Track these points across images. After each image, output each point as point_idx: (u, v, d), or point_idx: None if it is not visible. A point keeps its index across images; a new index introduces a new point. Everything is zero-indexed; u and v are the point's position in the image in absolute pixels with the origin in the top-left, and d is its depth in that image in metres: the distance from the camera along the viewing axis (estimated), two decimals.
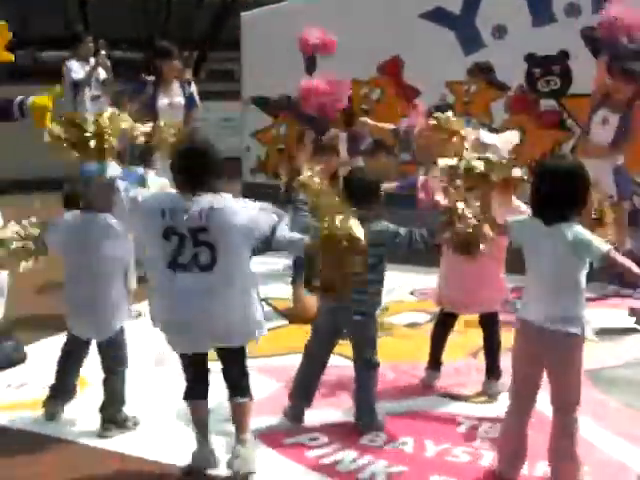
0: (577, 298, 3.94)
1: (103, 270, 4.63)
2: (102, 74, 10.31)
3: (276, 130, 9.78)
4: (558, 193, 3.88)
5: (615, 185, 7.04)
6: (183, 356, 4.31)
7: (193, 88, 8.24)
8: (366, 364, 4.75)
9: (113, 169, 4.72)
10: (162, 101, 7.83)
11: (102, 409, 4.66)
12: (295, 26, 8.98)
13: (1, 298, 5.59)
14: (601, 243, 3.88)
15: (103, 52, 10.20)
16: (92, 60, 10.30)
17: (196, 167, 4.14)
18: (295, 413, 4.79)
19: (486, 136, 4.98)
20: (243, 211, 4.11)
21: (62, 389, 4.83)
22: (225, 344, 4.22)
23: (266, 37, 9.58)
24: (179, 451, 4.41)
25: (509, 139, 4.99)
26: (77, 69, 10.25)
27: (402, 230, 4.58)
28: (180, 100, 7.95)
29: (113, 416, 4.65)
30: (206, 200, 4.07)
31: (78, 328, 4.78)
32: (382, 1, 9.07)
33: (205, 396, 4.35)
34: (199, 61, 18.64)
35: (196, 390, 4.35)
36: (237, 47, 10.25)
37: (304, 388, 4.82)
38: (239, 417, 4.29)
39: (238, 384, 4.30)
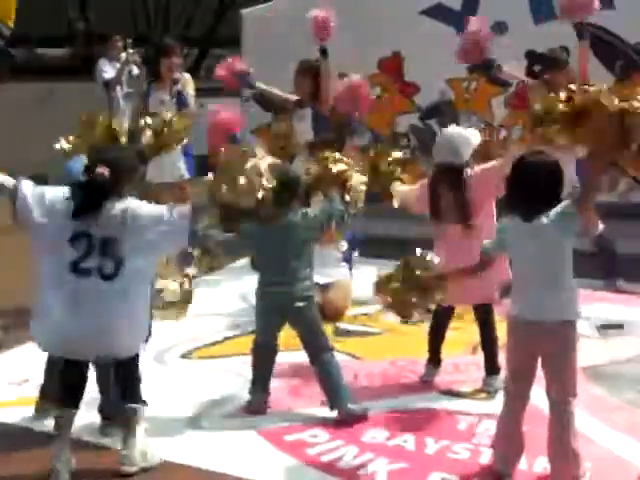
0: (567, 287, 3.98)
1: None
2: (134, 70, 10.29)
3: (274, 127, 9.74)
4: (536, 189, 3.94)
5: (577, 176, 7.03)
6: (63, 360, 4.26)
7: (189, 87, 8.14)
8: (320, 350, 4.82)
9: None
10: (154, 98, 7.81)
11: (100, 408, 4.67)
12: (295, 22, 8.96)
13: None
14: (562, 205, 3.93)
15: (131, 50, 10.18)
16: (123, 56, 10.27)
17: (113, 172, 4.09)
18: (257, 406, 4.85)
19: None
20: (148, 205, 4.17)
21: (51, 388, 4.83)
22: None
23: (266, 34, 9.57)
24: (178, 449, 4.43)
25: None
26: (107, 68, 10.24)
27: (318, 211, 4.83)
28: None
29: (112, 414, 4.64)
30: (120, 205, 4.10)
31: None
32: None
33: (77, 406, 4.25)
34: (199, 58, 18.63)
35: (70, 400, 4.24)
36: (237, 44, 10.24)
37: (261, 379, 4.88)
38: (124, 424, 4.30)
39: (128, 390, 4.32)
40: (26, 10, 17.00)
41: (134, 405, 4.31)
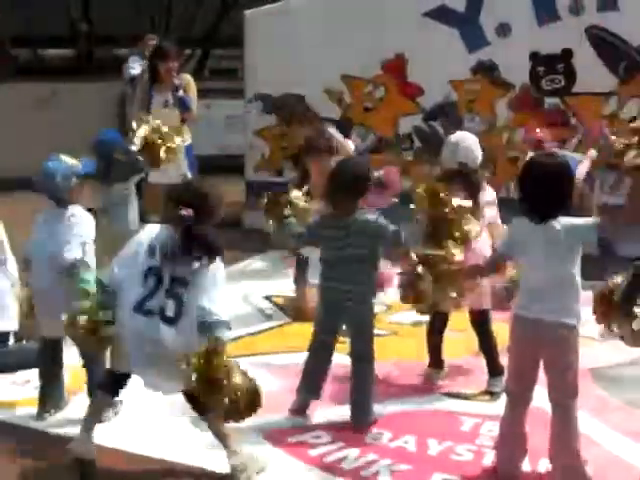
0: (572, 290, 3.98)
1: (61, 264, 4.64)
2: (137, 69, 10.06)
3: (280, 128, 9.76)
4: (548, 191, 3.94)
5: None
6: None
7: (192, 90, 8.13)
8: (359, 359, 4.78)
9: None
10: (157, 100, 7.82)
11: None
12: (298, 24, 9.00)
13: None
14: (586, 220, 4.01)
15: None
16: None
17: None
18: (300, 406, 4.82)
19: None
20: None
21: (49, 392, 4.85)
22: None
23: (269, 35, 9.57)
24: (181, 450, 4.42)
25: None
26: (135, 65, 10.01)
27: (391, 226, 4.65)
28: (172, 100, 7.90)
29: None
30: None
31: (47, 327, 4.79)
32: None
33: (115, 395, 4.40)
34: (202, 59, 18.62)
35: (115, 388, 4.35)
36: (240, 45, 10.25)
37: (310, 381, 4.86)
38: (213, 434, 4.26)
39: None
40: (28, 10, 17.08)
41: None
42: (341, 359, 4.91)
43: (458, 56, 8.74)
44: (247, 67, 10.05)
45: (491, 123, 8.67)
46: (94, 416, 4.31)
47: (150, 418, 4.78)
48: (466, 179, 5.02)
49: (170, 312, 4.00)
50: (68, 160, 4.80)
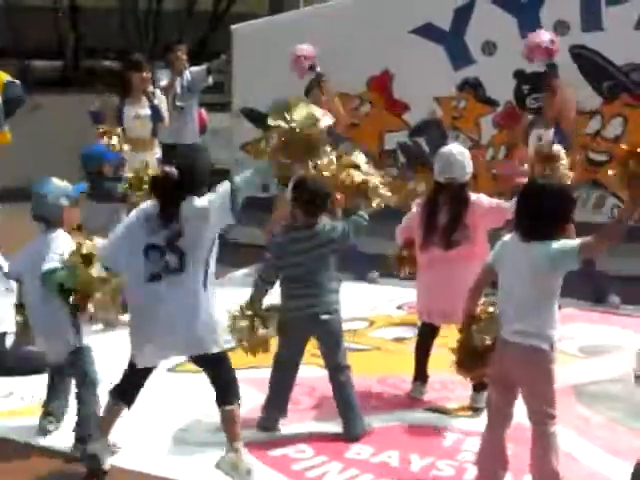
0: (548, 314, 3.97)
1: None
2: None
3: (264, 142, 9.76)
4: (539, 211, 3.95)
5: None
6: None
7: (161, 100, 8.15)
8: (339, 368, 4.81)
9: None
10: (128, 113, 7.85)
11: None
12: (286, 39, 9.00)
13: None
14: (570, 242, 3.94)
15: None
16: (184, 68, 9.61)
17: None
18: (268, 424, 4.84)
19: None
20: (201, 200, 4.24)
21: (54, 408, 4.84)
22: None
23: (257, 50, 9.60)
24: (162, 463, 4.44)
25: None
26: (163, 77, 9.74)
27: (339, 223, 4.85)
28: (147, 112, 7.92)
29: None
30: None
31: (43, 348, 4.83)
32: (372, 16, 9.10)
33: (129, 406, 4.43)
34: None
35: (128, 396, 4.41)
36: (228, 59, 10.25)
37: (280, 400, 4.87)
38: (224, 425, 4.35)
39: (223, 391, 4.34)
40: (16, 23, 17.07)
41: (228, 407, 4.34)
42: (317, 372, 4.91)
43: (444, 73, 8.79)
44: (234, 81, 10.07)
45: (475, 140, 8.72)
46: (106, 425, 4.37)
47: (163, 438, 4.78)
48: (456, 190, 5.09)
49: (174, 264, 4.17)
50: (59, 183, 4.82)
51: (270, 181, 4.46)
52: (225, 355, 4.36)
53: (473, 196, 5.17)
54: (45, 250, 4.64)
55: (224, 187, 4.21)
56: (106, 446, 4.34)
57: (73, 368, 4.69)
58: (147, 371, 4.41)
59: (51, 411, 4.81)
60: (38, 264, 4.60)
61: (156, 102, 7.98)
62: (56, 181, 4.81)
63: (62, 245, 4.66)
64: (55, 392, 4.84)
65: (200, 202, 4.19)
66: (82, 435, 4.53)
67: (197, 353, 4.33)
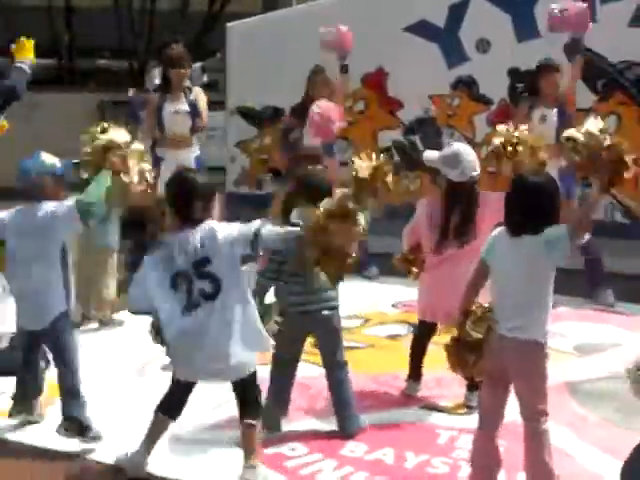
0: (544, 308, 3.98)
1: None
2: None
3: (259, 140, 9.76)
4: (527, 205, 3.96)
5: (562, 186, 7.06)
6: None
7: (195, 95, 8.03)
8: (337, 365, 4.81)
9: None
10: (168, 110, 7.78)
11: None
12: (280, 37, 9.02)
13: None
14: (558, 226, 3.94)
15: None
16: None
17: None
18: (271, 424, 4.82)
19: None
20: (223, 226, 4.22)
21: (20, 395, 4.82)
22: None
23: (251, 48, 9.59)
24: (157, 461, 4.42)
25: None
26: (157, 76, 9.68)
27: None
28: (186, 108, 7.83)
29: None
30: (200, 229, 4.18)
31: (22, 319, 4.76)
32: (367, 14, 9.09)
33: (175, 419, 4.43)
34: None
35: (174, 410, 4.40)
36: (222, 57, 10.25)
37: (280, 399, 4.85)
38: (245, 439, 4.31)
39: (249, 405, 4.32)
40: (11, 21, 17.05)
41: (252, 420, 4.29)
42: (311, 370, 4.90)
43: (438, 71, 8.79)
44: (229, 80, 10.07)
45: (469, 138, 8.71)
46: (153, 437, 4.37)
47: (163, 438, 4.73)
48: (469, 189, 5.09)
49: (209, 289, 4.13)
50: (47, 158, 4.77)
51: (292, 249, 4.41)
52: (256, 371, 4.33)
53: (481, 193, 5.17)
54: (38, 215, 4.60)
55: (248, 230, 4.17)
56: (143, 461, 4.35)
57: (54, 336, 4.64)
58: (190, 385, 4.38)
59: (23, 403, 4.78)
60: (29, 225, 4.58)
61: (192, 98, 7.88)
62: (44, 156, 4.76)
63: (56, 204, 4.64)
64: (25, 383, 4.79)
65: (222, 235, 4.17)
66: (69, 414, 4.52)
67: (241, 377, 4.29)
